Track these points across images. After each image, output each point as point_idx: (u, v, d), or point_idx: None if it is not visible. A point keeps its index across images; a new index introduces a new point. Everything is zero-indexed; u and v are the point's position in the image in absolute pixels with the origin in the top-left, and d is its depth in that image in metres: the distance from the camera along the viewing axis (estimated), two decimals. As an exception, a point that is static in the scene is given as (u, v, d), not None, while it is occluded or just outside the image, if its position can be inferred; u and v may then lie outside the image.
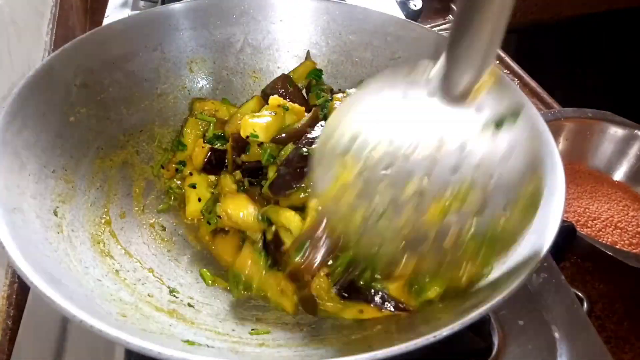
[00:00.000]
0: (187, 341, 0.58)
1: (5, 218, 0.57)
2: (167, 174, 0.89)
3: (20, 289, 0.82)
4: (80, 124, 0.78)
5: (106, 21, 1.32)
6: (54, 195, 0.69)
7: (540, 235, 0.61)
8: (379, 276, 0.68)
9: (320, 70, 0.97)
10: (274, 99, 0.82)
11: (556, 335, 0.77)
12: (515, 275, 0.56)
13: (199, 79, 0.96)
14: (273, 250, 0.73)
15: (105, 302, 0.59)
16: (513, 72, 1.52)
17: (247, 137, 0.79)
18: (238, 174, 0.83)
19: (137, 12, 1.31)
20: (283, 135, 0.80)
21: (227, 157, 0.86)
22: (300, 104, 0.85)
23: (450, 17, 1.73)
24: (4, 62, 0.95)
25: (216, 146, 0.87)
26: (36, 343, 0.72)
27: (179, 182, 0.88)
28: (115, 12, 1.36)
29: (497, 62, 1.57)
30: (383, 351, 0.48)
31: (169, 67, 0.92)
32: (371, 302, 0.67)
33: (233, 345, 0.61)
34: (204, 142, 0.87)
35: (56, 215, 0.67)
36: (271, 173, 0.79)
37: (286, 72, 0.97)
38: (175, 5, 0.91)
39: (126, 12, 1.37)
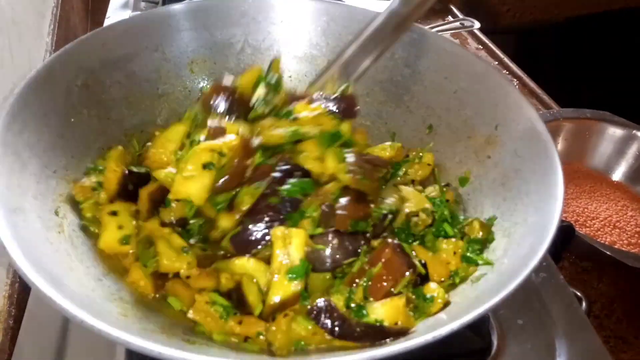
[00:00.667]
0: (188, 341, 0.58)
1: (7, 218, 0.57)
2: (80, 194, 0.72)
3: (22, 289, 0.82)
4: (81, 124, 0.78)
5: (107, 22, 1.32)
6: (55, 195, 0.69)
7: (539, 235, 0.61)
8: (371, 298, 0.63)
9: (276, 76, 0.80)
10: (203, 150, 0.66)
11: (555, 334, 0.77)
12: (514, 275, 0.57)
13: (200, 80, 0.96)
14: (235, 299, 0.64)
15: (106, 301, 0.60)
16: (512, 73, 1.53)
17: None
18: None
19: (138, 12, 1.32)
20: (223, 183, 0.65)
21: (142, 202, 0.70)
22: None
23: (450, 17, 1.74)
24: (5, 63, 0.95)
25: (135, 169, 0.74)
26: (37, 342, 0.73)
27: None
28: (116, 13, 1.37)
29: (497, 62, 1.58)
30: (383, 350, 0.49)
31: (169, 67, 0.92)
32: (364, 340, 0.58)
33: (233, 345, 0.62)
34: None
35: (57, 215, 0.68)
36: (225, 222, 0.67)
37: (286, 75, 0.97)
38: (176, 6, 0.92)
39: (127, 13, 1.37)
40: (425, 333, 0.51)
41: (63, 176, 0.72)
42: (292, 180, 0.69)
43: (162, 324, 0.61)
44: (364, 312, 0.61)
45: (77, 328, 0.72)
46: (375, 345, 0.58)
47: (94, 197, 0.72)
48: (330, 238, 0.67)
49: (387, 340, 0.58)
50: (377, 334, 0.59)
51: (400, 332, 0.59)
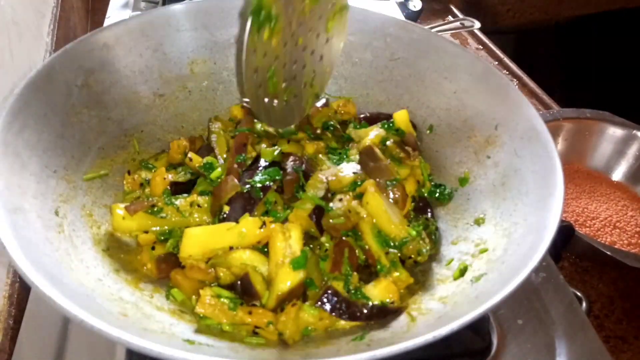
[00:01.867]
0: (188, 340, 0.58)
1: (7, 218, 0.57)
2: (129, 185, 0.82)
3: (22, 289, 0.82)
4: (81, 124, 0.78)
5: (107, 22, 1.32)
6: (55, 195, 0.70)
7: (539, 234, 0.61)
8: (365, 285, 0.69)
9: None
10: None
11: (555, 334, 0.77)
12: (514, 274, 0.57)
13: (200, 80, 0.96)
14: (241, 290, 0.67)
15: (106, 301, 0.60)
16: (512, 73, 1.53)
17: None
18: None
19: (138, 12, 1.32)
20: None
21: None
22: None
23: (450, 17, 1.74)
24: (6, 63, 0.95)
25: (179, 178, 0.81)
26: (37, 342, 0.73)
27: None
28: (116, 13, 1.37)
29: (497, 62, 1.58)
30: (382, 350, 0.49)
31: (170, 67, 0.92)
32: (371, 319, 0.66)
33: (233, 345, 0.62)
34: (166, 171, 0.81)
35: (57, 215, 0.68)
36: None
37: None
38: (176, 6, 0.92)
39: (127, 13, 1.37)
40: (425, 333, 0.51)
41: (63, 176, 0.72)
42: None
43: (163, 324, 0.62)
44: (363, 294, 0.68)
45: (77, 328, 0.72)
46: (380, 324, 0.65)
47: (140, 192, 0.82)
48: None
49: (389, 316, 0.66)
50: (380, 313, 0.66)
51: (398, 310, 0.67)
